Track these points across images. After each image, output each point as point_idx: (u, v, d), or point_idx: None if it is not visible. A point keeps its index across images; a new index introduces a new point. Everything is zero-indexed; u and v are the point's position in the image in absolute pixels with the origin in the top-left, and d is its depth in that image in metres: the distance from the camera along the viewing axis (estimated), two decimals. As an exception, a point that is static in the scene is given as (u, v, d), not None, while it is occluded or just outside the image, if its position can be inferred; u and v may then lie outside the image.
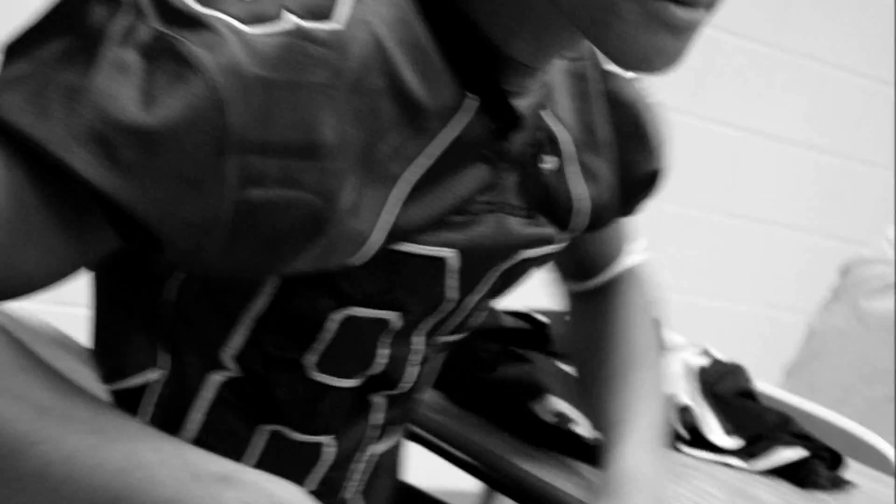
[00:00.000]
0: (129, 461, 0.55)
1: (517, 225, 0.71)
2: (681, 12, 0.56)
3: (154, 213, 0.52)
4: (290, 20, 0.53)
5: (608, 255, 0.89)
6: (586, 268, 0.89)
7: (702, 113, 2.47)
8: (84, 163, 0.50)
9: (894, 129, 2.81)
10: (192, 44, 0.51)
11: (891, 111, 2.87)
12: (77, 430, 0.54)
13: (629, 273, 0.91)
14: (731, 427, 0.99)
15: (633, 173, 0.80)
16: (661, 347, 0.92)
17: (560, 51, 0.65)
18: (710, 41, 2.28)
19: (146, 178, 0.52)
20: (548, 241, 0.75)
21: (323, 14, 0.54)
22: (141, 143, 0.51)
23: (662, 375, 0.90)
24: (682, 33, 0.57)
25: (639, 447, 0.81)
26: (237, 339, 0.66)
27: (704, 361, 1.07)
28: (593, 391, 0.89)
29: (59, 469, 0.53)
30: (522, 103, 0.65)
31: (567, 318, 0.96)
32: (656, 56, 0.57)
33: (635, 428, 0.83)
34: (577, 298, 0.92)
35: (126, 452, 0.55)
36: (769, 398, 1.15)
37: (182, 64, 0.51)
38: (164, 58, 0.51)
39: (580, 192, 0.75)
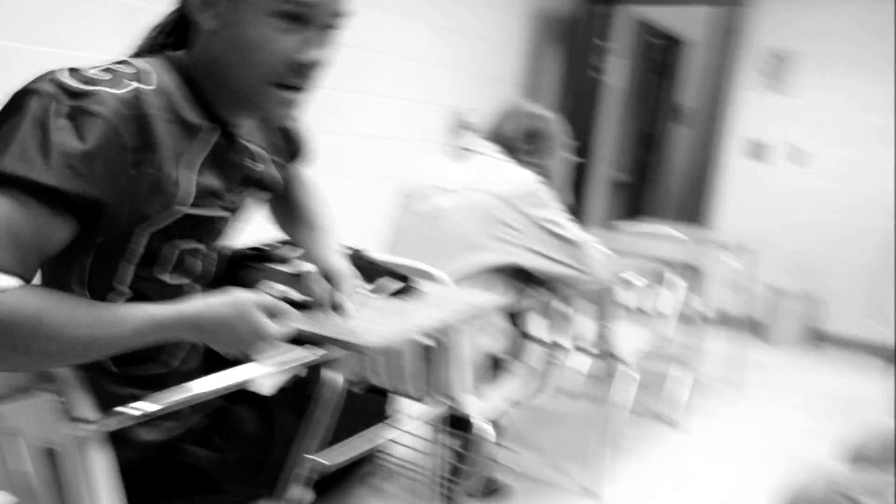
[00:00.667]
0: (108, 312, 0.83)
1: (242, 194, 1.08)
2: (294, 95, 0.95)
3: (108, 196, 0.82)
4: (133, 85, 0.87)
5: (291, 175, 1.31)
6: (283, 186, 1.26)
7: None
8: (65, 181, 0.79)
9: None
10: (92, 105, 0.82)
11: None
12: (77, 306, 0.82)
13: (300, 173, 1.33)
14: (366, 279, 1.50)
15: (292, 154, 1.27)
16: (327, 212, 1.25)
17: (249, 115, 1.03)
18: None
19: (97, 177, 0.79)
20: (258, 198, 1.14)
21: (146, 82, 0.89)
22: (88, 159, 0.80)
23: (333, 224, 1.24)
24: (295, 104, 0.97)
25: (335, 253, 1.22)
26: (124, 275, 0.96)
27: (349, 250, 1.57)
28: (299, 228, 1.29)
29: (65, 328, 0.80)
30: (240, 131, 1.05)
31: (272, 211, 1.32)
32: (284, 117, 0.98)
33: (329, 244, 1.22)
34: (274, 201, 1.31)
35: (107, 309, 0.83)
36: (384, 261, 1.65)
37: (92, 114, 0.82)
38: (80, 115, 0.81)
39: (273, 172, 1.16)
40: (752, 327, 4.86)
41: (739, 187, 4.92)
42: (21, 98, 0.84)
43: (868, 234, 4.63)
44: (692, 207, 7.14)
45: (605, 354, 2.55)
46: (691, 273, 3.19)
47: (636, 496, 2.56)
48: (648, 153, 7.04)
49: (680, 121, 6.95)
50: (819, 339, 4.74)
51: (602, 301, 2.47)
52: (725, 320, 4.81)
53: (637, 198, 6.87)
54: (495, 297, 1.61)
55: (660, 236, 3.56)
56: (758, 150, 4.84)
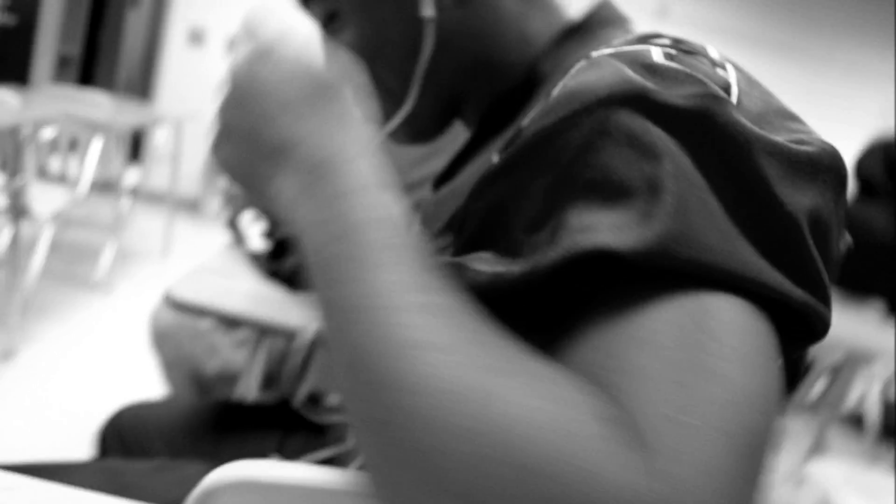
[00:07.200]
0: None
1: None
2: None
3: None
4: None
5: None
6: None
7: None
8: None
9: None
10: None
11: None
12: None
13: None
14: None
15: None
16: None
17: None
18: None
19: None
20: None
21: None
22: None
23: None
24: None
25: None
26: None
27: None
28: None
29: None
30: None
31: None
32: None
33: None
34: None
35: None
36: None
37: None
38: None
39: None
40: (184, 202, 4.97)
41: (180, 69, 5.07)
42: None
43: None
44: (140, 84, 7.31)
45: (18, 212, 2.51)
46: (117, 140, 3.26)
47: (51, 354, 2.63)
48: (101, 30, 7.01)
49: (131, 3, 7.04)
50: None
51: (16, 155, 2.36)
52: (160, 197, 4.86)
53: (87, 72, 6.76)
54: None
55: (86, 101, 3.49)
56: (197, 37, 5.04)
